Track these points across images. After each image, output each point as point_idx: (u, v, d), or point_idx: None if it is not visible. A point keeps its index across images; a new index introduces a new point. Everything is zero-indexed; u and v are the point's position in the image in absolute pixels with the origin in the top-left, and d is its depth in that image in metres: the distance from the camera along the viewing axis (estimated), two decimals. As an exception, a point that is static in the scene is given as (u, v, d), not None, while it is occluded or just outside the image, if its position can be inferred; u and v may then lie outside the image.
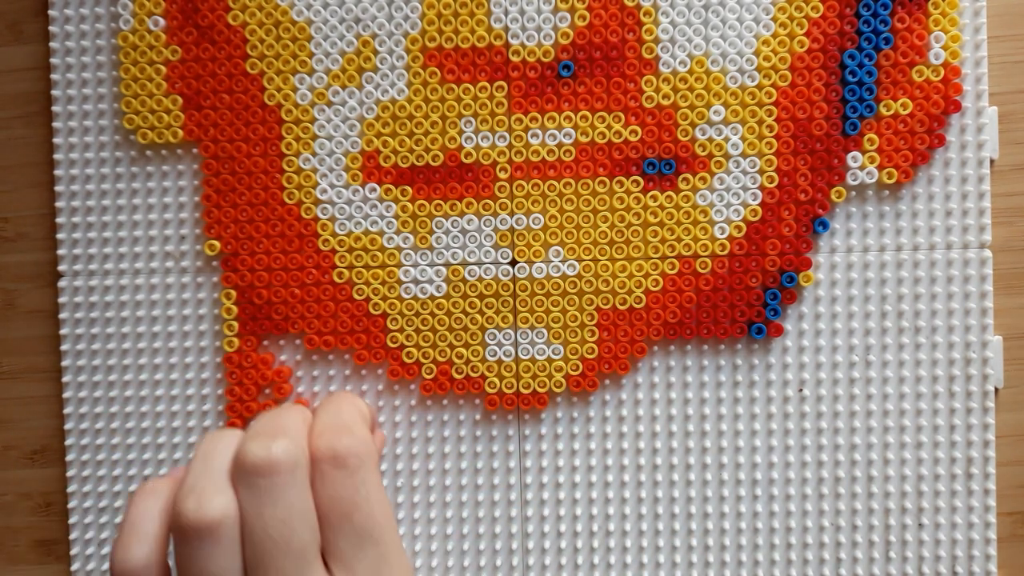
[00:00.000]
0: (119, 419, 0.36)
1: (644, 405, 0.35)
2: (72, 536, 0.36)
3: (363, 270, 0.35)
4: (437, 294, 0.35)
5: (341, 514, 0.21)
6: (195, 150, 0.35)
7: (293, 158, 0.35)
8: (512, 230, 0.35)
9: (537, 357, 0.35)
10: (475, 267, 0.35)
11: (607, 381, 0.35)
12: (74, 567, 0.36)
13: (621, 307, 0.34)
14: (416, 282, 0.35)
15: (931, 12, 0.33)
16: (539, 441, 0.35)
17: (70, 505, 0.36)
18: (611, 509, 0.35)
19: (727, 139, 0.34)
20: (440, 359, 0.35)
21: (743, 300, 0.34)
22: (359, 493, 0.22)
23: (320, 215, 0.35)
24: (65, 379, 0.36)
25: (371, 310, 0.35)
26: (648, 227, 0.34)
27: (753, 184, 0.34)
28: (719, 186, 0.34)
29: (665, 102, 0.34)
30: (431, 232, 0.35)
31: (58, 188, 0.35)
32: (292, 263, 0.35)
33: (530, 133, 0.34)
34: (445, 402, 0.35)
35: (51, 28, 0.35)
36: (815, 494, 0.35)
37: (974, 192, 0.34)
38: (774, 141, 0.34)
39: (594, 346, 0.35)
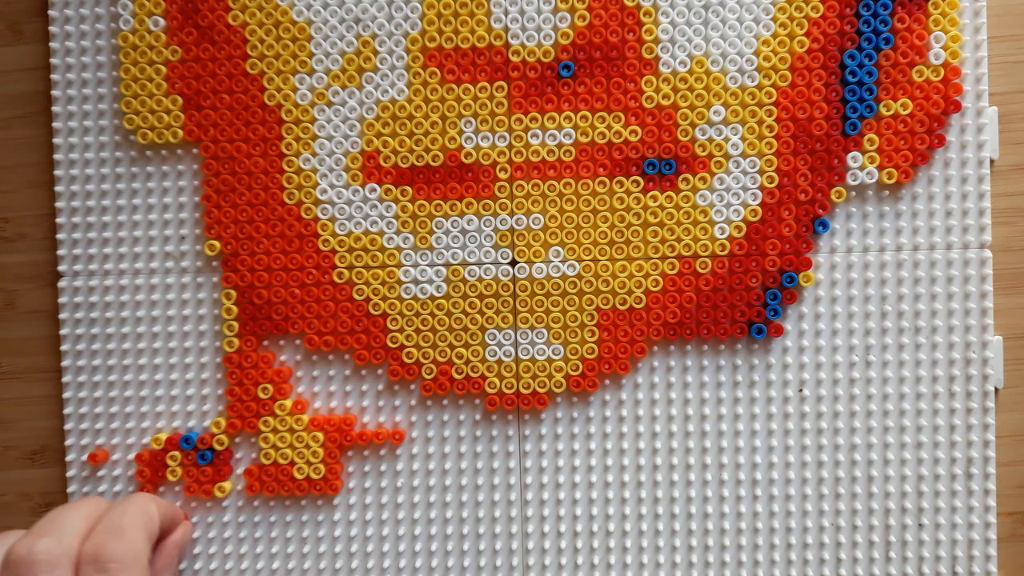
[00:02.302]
0: (119, 419, 0.36)
1: (644, 405, 0.35)
2: (72, 536, 0.36)
3: (363, 270, 0.35)
4: (437, 294, 0.35)
5: None
6: (195, 150, 0.35)
7: (293, 158, 0.35)
8: (512, 230, 0.35)
9: (537, 357, 0.35)
10: (475, 267, 0.35)
11: (607, 381, 0.35)
12: (74, 567, 0.36)
13: (621, 307, 0.34)
14: (416, 282, 0.35)
15: (931, 12, 0.33)
16: (539, 441, 0.35)
17: (70, 505, 0.36)
18: (611, 509, 0.35)
19: (727, 139, 0.34)
20: (440, 359, 0.35)
21: (743, 300, 0.34)
22: None
23: (320, 215, 0.35)
24: (65, 379, 0.36)
25: (371, 310, 0.35)
26: (648, 227, 0.34)
27: (753, 184, 0.34)
28: (719, 186, 0.34)
29: (665, 102, 0.34)
30: (431, 232, 0.35)
31: (58, 188, 0.35)
32: (292, 263, 0.35)
33: (530, 133, 0.34)
34: (445, 402, 0.35)
35: (51, 28, 0.35)
36: (815, 494, 0.35)
37: (974, 192, 0.34)
38: (774, 141, 0.34)
39: (594, 346, 0.35)
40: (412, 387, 0.35)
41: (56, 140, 0.35)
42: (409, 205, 0.35)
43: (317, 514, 0.35)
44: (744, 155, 0.34)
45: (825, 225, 0.34)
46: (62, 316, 0.36)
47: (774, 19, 0.34)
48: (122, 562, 0.24)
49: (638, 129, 0.34)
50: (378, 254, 0.35)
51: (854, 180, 0.34)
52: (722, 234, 0.34)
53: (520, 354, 0.35)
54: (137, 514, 0.27)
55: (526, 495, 0.35)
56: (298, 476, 0.35)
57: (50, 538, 0.24)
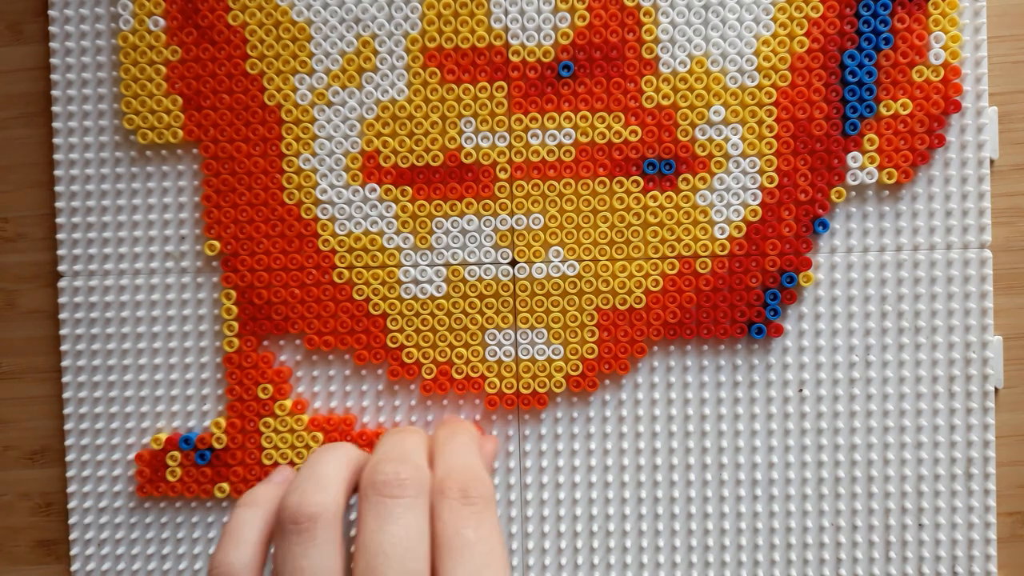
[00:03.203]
0: (119, 419, 0.36)
1: (644, 405, 0.35)
2: (72, 536, 0.36)
3: (363, 270, 0.35)
4: (437, 294, 0.35)
5: (462, 545, 0.21)
6: (195, 150, 0.35)
7: (293, 158, 0.35)
8: (512, 230, 0.35)
9: (537, 357, 0.35)
10: (475, 267, 0.35)
11: (607, 381, 0.35)
12: (74, 567, 0.36)
13: (621, 307, 0.34)
14: (416, 282, 0.35)
15: (931, 12, 0.33)
16: (539, 441, 0.35)
17: (70, 505, 0.36)
18: (611, 509, 0.35)
19: (727, 139, 0.34)
20: (440, 359, 0.35)
21: (743, 300, 0.34)
22: (481, 528, 0.22)
23: (320, 215, 0.35)
24: (65, 379, 0.36)
25: (371, 310, 0.35)
26: (648, 227, 0.34)
27: (753, 184, 0.34)
28: (719, 186, 0.34)
29: (665, 102, 0.34)
30: (431, 232, 0.35)
31: (58, 188, 0.35)
32: (292, 263, 0.35)
33: (530, 133, 0.34)
34: (445, 402, 0.35)
35: (51, 28, 0.35)
36: (815, 494, 0.35)
37: (974, 192, 0.34)
38: (774, 141, 0.34)
39: (594, 346, 0.35)
40: (412, 387, 0.35)
41: (56, 140, 0.35)
42: (409, 205, 0.35)
43: (317, 514, 0.35)
44: (744, 155, 0.34)
45: (825, 225, 0.34)
46: (62, 316, 0.36)
47: (774, 19, 0.34)
48: (485, 498, 0.23)
49: (638, 129, 0.34)
50: (378, 254, 0.35)
51: (854, 180, 0.34)
52: (722, 234, 0.34)
53: (520, 354, 0.35)
54: (477, 456, 0.25)
55: (526, 495, 0.35)
56: (298, 476, 0.35)
57: (414, 465, 0.23)
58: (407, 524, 0.21)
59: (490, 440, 0.32)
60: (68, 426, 0.36)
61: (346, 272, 0.35)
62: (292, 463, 0.35)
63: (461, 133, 0.34)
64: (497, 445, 0.34)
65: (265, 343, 0.35)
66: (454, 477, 0.23)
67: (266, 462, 0.35)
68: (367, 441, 0.35)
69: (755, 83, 0.34)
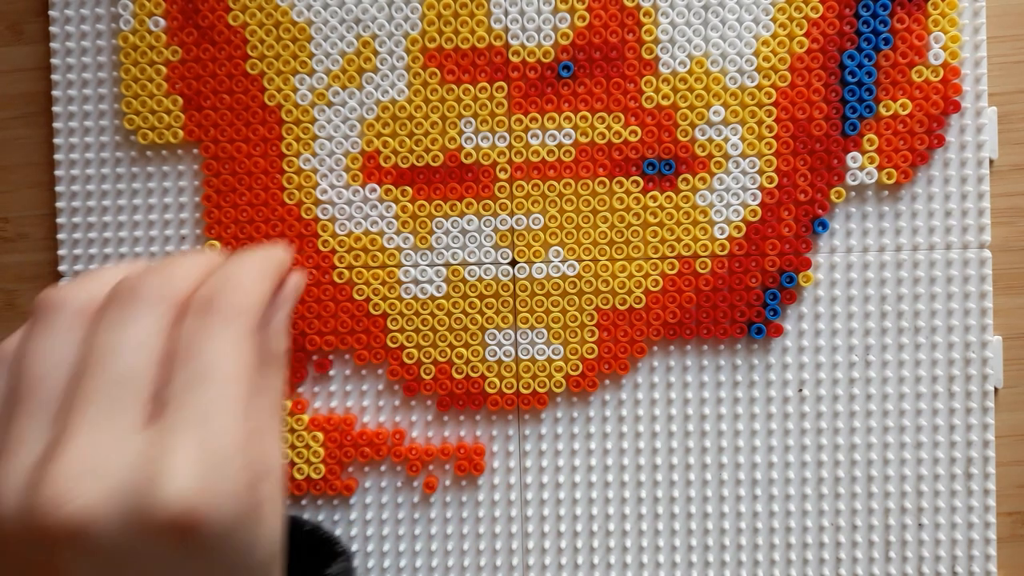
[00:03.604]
0: (119, 419, 0.36)
1: (644, 405, 0.35)
2: (72, 536, 0.36)
3: (363, 270, 0.35)
4: (437, 294, 0.35)
5: (186, 354, 0.20)
6: (195, 150, 0.35)
7: (293, 158, 0.35)
8: (512, 230, 0.35)
9: (537, 357, 0.35)
10: (475, 267, 0.35)
11: (607, 381, 0.35)
12: (74, 567, 0.36)
13: (621, 307, 0.34)
14: (416, 282, 0.35)
15: (931, 12, 0.33)
16: (539, 441, 0.35)
17: (70, 505, 0.36)
18: (611, 509, 0.35)
19: (727, 139, 0.34)
20: (440, 359, 0.35)
21: (743, 300, 0.34)
22: (214, 340, 0.20)
23: (320, 215, 0.35)
24: (65, 379, 0.36)
25: (371, 310, 0.35)
26: (648, 227, 0.34)
27: (753, 184, 0.34)
28: (719, 186, 0.34)
29: (665, 102, 0.34)
30: (431, 232, 0.35)
31: (58, 188, 0.35)
32: (292, 263, 0.35)
33: (530, 133, 0.34)
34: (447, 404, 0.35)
35: (51, 28, 0.35)
36: (815, 494, 0.35)
37: (974, 192, 0.34)
38: (774, 141, 0.34)
39: (594, 346, 0.35)
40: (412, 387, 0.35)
41: (56, 140, 0.35)
42: (409, 205, 0.35)
43: (316, 514, 0.35)
44: (744, 155, 0.34)
45: (825, 225, 0.34)
46: (62, 316, 0.36)
47: (774, 19, 0.34)
48: (233, 309, 0.20)
49: (638, 129, 0.34)
50: (378, 254, 0.35)
51: (854, 180, 0.34)
52: (722, 234, 0.34)
53: (520, 354, 0.35)
54: (257, 270, 0.22)
55: (526, 495, 0.35)
56: (298, 476, 0.35)
57: (157, 275, 0.20)
58: (129, 330, 0.20)
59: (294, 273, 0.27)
60: (68, 426, 0.36)
61: (346, 272, 0.35)
62: (293, 463, 0.35)
63: (461, 133, 0.34)
64: (301, 279, 0.27)
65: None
66: (207, 287, 0.21)
67: (266, 462, 0.35)
68: (367, 441, 0.35)
69: (755, 83, 0.34)
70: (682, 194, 0.34)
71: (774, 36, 0.34)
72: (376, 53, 0.34)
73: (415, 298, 0.35)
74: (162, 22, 0.35)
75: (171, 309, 0.20)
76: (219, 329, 0.20)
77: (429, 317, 0.35)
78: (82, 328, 0.20)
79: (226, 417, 0.19)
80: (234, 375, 0.20)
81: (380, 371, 0.35)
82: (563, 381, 0.35)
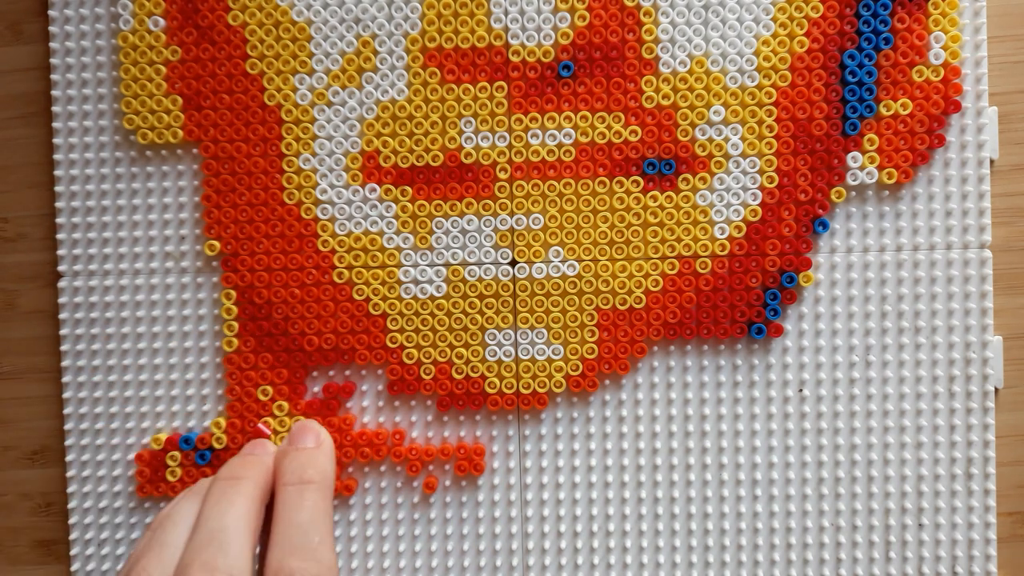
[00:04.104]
0: (119, 419, 0.36)
1: (644, 405, 0.35)
2: (72, 536, 0.36)
3: (363, 270, 0.35)
4: (437, 294, 0.35)
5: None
6: (195, 150, 0.35)
7: (293, 158, 0.35)
8: (512, 230, 0.35)
9: (537, 357, 0.35)
10: (475, 267, 0.35)
11: (607, 381, 0.35)
12: (74, 567, 0.36)
13: (621, 307, 0.34)
14: (416, 282, 0.35)
15: (931, 12, 0.33)
16: (539, 441, 0.35)
17: (70, 505, 0.36)
18: (611, 509, 0.35)
19: (727, 139, 0.34)
20: (440, 359, 0.35)
21: (743, 300, 0.34)
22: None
23: (320, 215, 0.35)
24: (65, 379, 0.36)
25: (371, 310, 0.35)
26: (648, 227, 0.34)
27: (753, 184, 0.34)
28: (719, 186, 0.34)
29: (665, 102, 0.34)
30: (431, 232, 0.35)
31: (58, 188, 0.35)
32: (292, 263, 0.35)
33: (530, 133, 0.34)
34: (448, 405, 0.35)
35: (51, 28, 0.35)
36: (815, 494, 0.35)
37: (974, 192, 0.34)
38: (774, 141, 0.34)
39: (594, 346, 0.35)
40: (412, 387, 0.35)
41: (56, 140, 0.35)
42: (409, 205, 0.35)
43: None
44: (744, 155, 0.34)
45: (825, 225, 0.34)
46: (62, 316, 0.36)
47: (774, 19, 0.34)
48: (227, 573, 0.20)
49: (638, 129, 0.34)
50: (378, 254, 0.35)
51: (854, 180, 0.34)
52: (722, 234, 0.34)
53: (520, 354, 0.35)
54: (326, 520, 0.22)
55: (526, 495, 0.35)
56: (298, 476, 0.35)
57: (151, 555, 0.21)
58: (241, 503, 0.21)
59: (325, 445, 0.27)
60: (68, 426, 0.36)
61: (346, 272, 0.35)
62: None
63: (461, 133, 0.34)
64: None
65: (265, 343, 0.35)
66: (292, 568, 0.21)
67: (266, 462, 0.35)
68: (367, 441, 0.35)
69: (755, 83, 0.34)
70: (682, 194, 0.34)
71: (774, 36, 0.34)
72: (376, 53, 0.34)
73: (415, 298, 0.35)
74: (162, 22, 0.35)
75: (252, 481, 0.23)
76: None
77: (429, 317, 0.35)
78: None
79: None
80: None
81: (380, 371, 0.35)
82: (563, 381, 0.35)
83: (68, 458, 0.36)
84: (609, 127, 0.34)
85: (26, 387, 0.37)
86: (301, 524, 0.22)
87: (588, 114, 0.34)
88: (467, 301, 0.35)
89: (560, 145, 0.34)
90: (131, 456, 0.36)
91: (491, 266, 0.35)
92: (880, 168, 0.34)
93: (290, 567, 0.20)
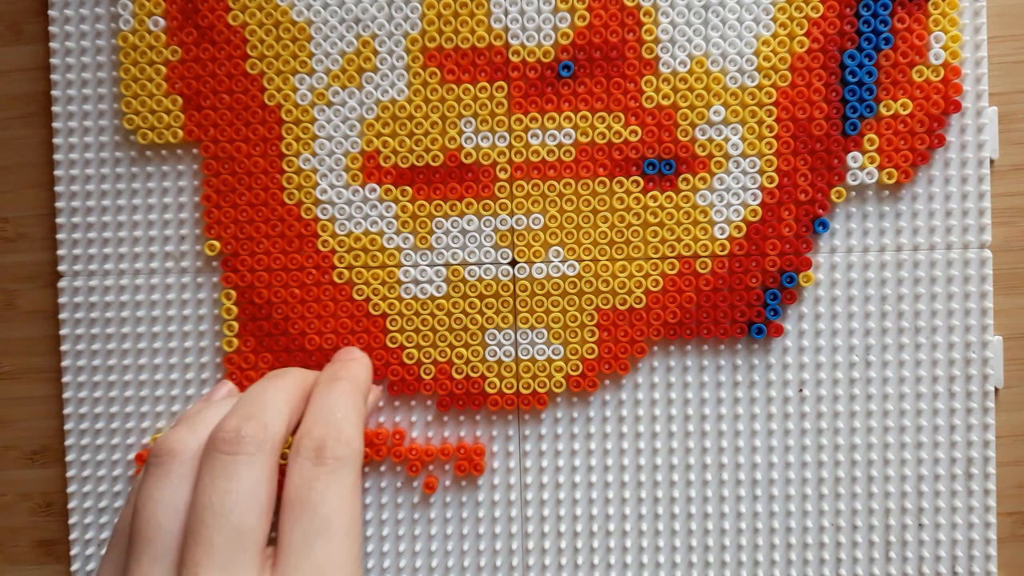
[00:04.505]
0: (119, 419, 0.36)
1: (644, 405, 0.35)
2: (72, 536, 0.36)
3: (363, 270, 0.35)
4: (437, 294, 0.35)
5: (303, 505, 0.21)
6: (195, 150, 0.35)
7: (293, 158, 0.35)
8: (512, 230, 0.35)
9: (537, 357, 0.35)
10: (475, 267, 0.35)
11: (607, 381, 0.35)
12: (74, 567, 0.36)
13: (621, 307, 0.34)
14: (416, 282, 0.35)
15: (931, 12, 0.33)
16: (539, 441, 0.35)
17: (70, 505, 0.36)
18: (611, 509, 0.35)
19: (727, 139, 0.34)
20: (440, 359, 0.35)
21: (743, 300, 0.34)
22: (328, 490, 0.22)
23: (320, 215, 0.35)
24: (65, 379, 0.36)
25: (371, 310, 0.35)
26: (648, 227, 0.34)
27: (753, 184, 0.34)
28: (719, 186, 0.34)
29: (665, 102, 0.34)
30: (431, 232, 0.35)
31: (58, 188, 0.35)
32: (292, 263, 0.35)
33: (530, 133, 0.34)
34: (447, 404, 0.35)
35: (51, 28, 0.35)
36: (815, 494, 0.35)
37: (974, 192, 0.34)
38: (774, 141, 0.34)
39: (594, 346, 0.35)
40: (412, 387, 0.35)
41: (56, 140, 0.35)
42: (409, 205, 0.35)
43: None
44: (744, 155, 0.34)
45: (825, 225, 0.34)
46: (62, 316, 0.36)
47: (774, 19, 0.34)
48: (340, 459, 0.22)
49: (638, 129, 0.34)
50: (378, 254, 0.35)
51: (854, 180, 0.34)
52: (722, 234, 0.34)
53: (520, 354, 0.35)
54: (349, 406, 0.25)
55: (526, 495, 0.35)
56: (298, 476, 0.35)
57: (258, 422, 0.22)
58: (239, 479, 0.21)
59: (373, 389, 0.30)
60: (68, 426, 0.36)
61: (346, 272, 0.35)
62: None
63: (461, 133, 0.34)
64: (379, 394, 0.33)
65: (265, 343, 0.35)
66: (313, 434, 0.23)
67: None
68: (367, 442, 0.35)
69: (755, 83, 0.34)
70: (682, 194, 0.34)
71: (774, 36, 0.34)
72: (376, 53, 0.34)
73: (415, 298, 0.35)
74: (162, 22, 0.35)
75: (274, 453, 0.22)
76: (333, 479, 0.22)
77: (429, 317, 0.35)
78: (193, 475, 0.22)
79: (342, 571, 0.20)
80: (351, 528, 0.21)
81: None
82: (563, 381, 0.35)
83: (68, 458, 0.36)
84: (609, 127, 0.34)
85: (26, 387, 0.37)
86: (326, 402, 0.25)
87: (588, 114, 0.34)
88: (467, 301, 0.35)
89: (560, 145, 0.34)
90: (131, 456, 0.36)
91: (491, 266, 0.35)
92: (880, 168, 0.34)
93: (310, 433, 0.23)
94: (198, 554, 0.20)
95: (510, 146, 0.34)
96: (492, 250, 0.35)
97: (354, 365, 0.29)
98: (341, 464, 0.22)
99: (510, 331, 0.35)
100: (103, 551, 0.33)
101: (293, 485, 0.22)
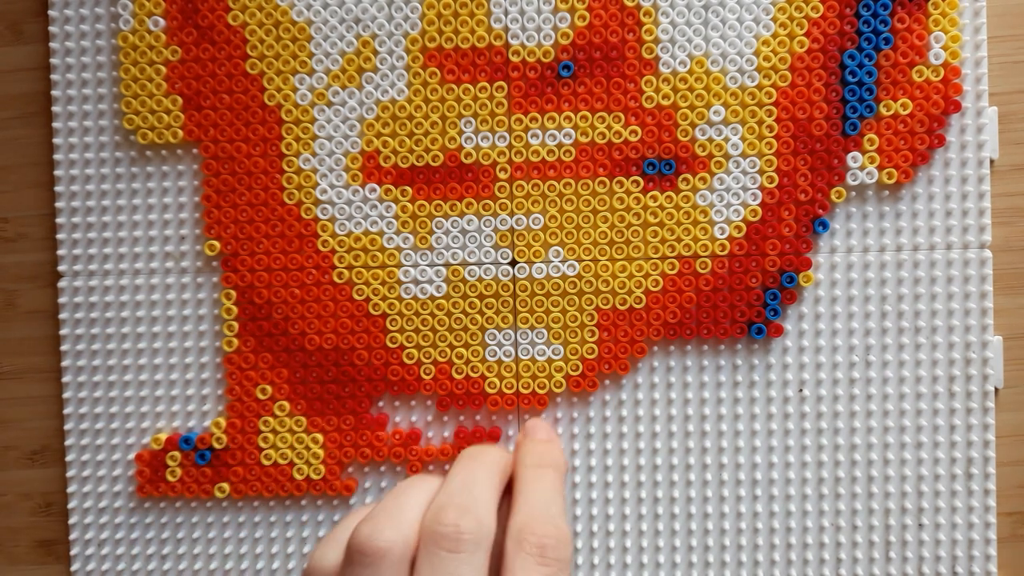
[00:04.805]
0: (119, 419, 0.36)
1: (644, 405, 0.35)
2: (72, 536, 0.36)
3: (363, 270, 0.35)
4: (437, 294, 0.35)
5: None
6: (195, 150, 0.35)
7: (293, 158, 0.35)
8: (512, 230, 0.35)
9: (537, 357, 0.35)
10: (475, 267, 0.35)
11: (607, 381, 0.35)
12: (74, 567, 0.36)
13: (621, 307, 0.34)
14: (416, 282, 0.35)
15: (931, 12, 0.33)
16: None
17: (70, 505, 0.36)
18: (611, 509, 0.35)
19: (727, 139, 0.34)
20: (440, 359, 0.35)
21: (743, 300, 0.34)
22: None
23: (320, 215, 0.35)
24: (65, 379, 0.36)
25: (371, 310, 0.35)
26: (648, 227, 0.34)
27: (753, 184, 0.34)
28: (719, 186, 0.34)
29: (665, 102, 0.34)
30: (431, 232, 0.35)
31: (58, 188, 0.35)
32: (292, 263, 0.35)
33: (530, 133, 0.34)
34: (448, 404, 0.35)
35: (51, 28, 0.35)
36: (815, 494, 0.35)
37: (974, 192, 0.34)
38: (774, 141, 0.34)
39: (594, 346, 0.35)
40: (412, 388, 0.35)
41: (56, 140, 0.35)
42: (409, 205, 0.35)
43: (317, 514, 0.35)
44: (744, 155, 0.34)
45: (825, 225, 0.34)
46: (62, 316, 0.36)
47: (774, 19, 0.34)
48: (472, 541, 0.22)
49: (638, 129, 0.34)
50: (378, 254, 0.35)
51: (854, 180, 0.34)
52: (722, 234, 0.34)
53: (520, 354, 0.35)
54: (487, 482, 0.24)
55: (526, 495, 0.35)
56: (298, 476, 0.35)
57: (471, 516, 0.22)
58: None
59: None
60: (68, 426, 0.36)
61: (346, 272, 0.35)
62: (292, 464, 0.35)
63: (461, 133, 0.34)
64: (566, 465, 0.32)
65: (265, 343, 0.35)
66: (535, 531, 0.22)
67: (265, 462, 0.35)
68: (367, 441, 0.35)
69: (755, 83, 0.34)
70: (682, 194, 0.34)
71: (774, 36, 0.34)
72: (376, 53, 0.34)
73: (415, 298, 0.35)
74: (162, 22, 0.35)
75: (488, 550, 0.22)
76: (465, 563, 0.21)
77: (429, 317, 0.35)
78: (405, 574, 0.21)
79: None
80: None
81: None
82: (563, 381, 0.35)
83: (68, 458, 0.36)
84: (609, 127, 0.34)
85: (26, 387, 0.37)
86: (542, 496, 0.24)
87: (588, 114, 0.34)
88: (467, 301, 0.35)
89: (560, 145, 0.34)
90: (131, 456, 0.36)
91: (491, 266, 0.35)
92: (880, 168, 0.34)
93: (532, 530, 0.22)
94: None
95: (510, 146, 0.34)
96: (492, 250, 0.35)
97: (554, 450, 0.28)
98: (562, 568, 0.22)
99: (510, 331, 0.35)
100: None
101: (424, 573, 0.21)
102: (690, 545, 0.35)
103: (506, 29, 0.34)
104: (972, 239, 0.34)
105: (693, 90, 0.34)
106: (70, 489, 0.36)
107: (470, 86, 0.34)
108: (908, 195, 0.34)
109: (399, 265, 0.35)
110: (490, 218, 0.35)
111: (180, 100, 0.35)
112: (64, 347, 0.36)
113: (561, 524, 0.23)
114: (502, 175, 0.34)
